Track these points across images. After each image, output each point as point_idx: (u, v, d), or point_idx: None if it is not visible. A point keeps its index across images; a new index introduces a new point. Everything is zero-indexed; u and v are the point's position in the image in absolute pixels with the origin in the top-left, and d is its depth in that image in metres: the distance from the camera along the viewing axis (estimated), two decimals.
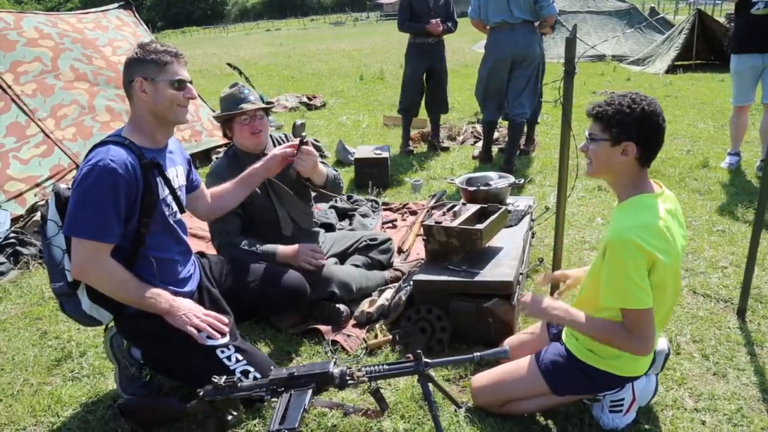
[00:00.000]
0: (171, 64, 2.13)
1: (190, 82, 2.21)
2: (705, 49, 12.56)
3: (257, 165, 2.71)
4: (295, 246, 2.90)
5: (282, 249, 2.89)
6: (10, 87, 4.59)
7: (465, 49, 18.43)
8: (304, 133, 2.75)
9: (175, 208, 2.30)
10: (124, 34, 5.95)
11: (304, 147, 2.73)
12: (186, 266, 2.40)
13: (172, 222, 2.28)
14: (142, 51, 2.12)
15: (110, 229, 2.03)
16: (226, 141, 6.05)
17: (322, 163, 2.99)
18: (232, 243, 2.84)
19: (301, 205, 3.11)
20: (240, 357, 2.21)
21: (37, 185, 4.37)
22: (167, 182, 2.22)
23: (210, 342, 2.19)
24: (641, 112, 1.83)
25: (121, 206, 2.04)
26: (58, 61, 5.02)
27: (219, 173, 2.89)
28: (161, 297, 2.15)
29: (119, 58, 5.59)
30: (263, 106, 2.95)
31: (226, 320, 2.24)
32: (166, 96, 2.12)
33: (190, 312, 2.17)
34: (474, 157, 5.98)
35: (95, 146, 2.10)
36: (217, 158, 3.24)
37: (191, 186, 2.50)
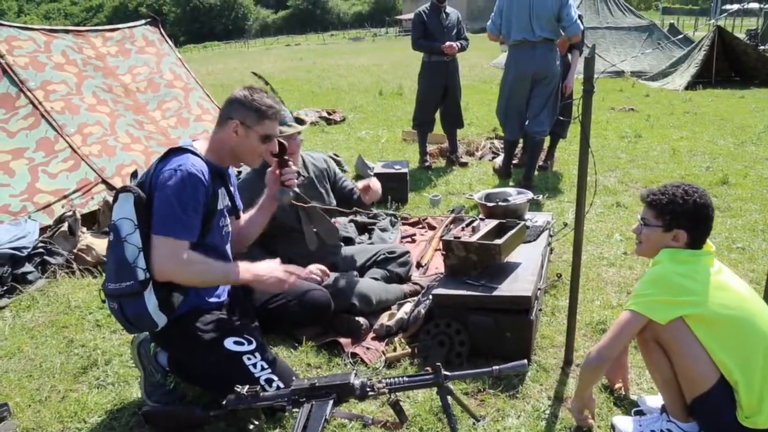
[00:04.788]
0: (269, 120, 2.30)
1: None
2: (725, 66, 12.51)
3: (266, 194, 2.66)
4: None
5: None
6: (41, 103, 4.73)
7: (483, 65, 18.51)
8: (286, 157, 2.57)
9: (228, 221, 2.44)
10: (146, 57, 6.11)
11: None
12: None
13: (223, 233, 2.40)
14: (249, 96, 2.27)
15: (193, 229, 2.18)
16: None
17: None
18: None
19: (328, 222, 3.17)
20: (265, 365, 2.26)
21: (65, 197, 4.49)
22: (229, 193, 2.39)
23: (237, 348, 2.26)
24: (693, 203, 1.98)
25: (200, 205, 2.18)
26: (81, 87, 5.21)
27: (248, 187, 2.94)
28: (240, 268, 2.28)
29: (137, 85, 5.79)
30: (301, 129, 3.01)
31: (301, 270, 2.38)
32: (252, 145, 2.30)
33: (273, 271, 2.30)
34: (495, 170, 6.01)
35: (170, 152, 2.22)
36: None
37: (234, 210, 2.54)
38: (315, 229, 3.07)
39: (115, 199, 2.21)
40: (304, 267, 3.02)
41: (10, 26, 5.11)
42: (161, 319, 2.22)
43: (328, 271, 3.01)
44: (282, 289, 2.35)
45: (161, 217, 2.12)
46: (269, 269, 2.31)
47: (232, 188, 2.49)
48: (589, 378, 2.08)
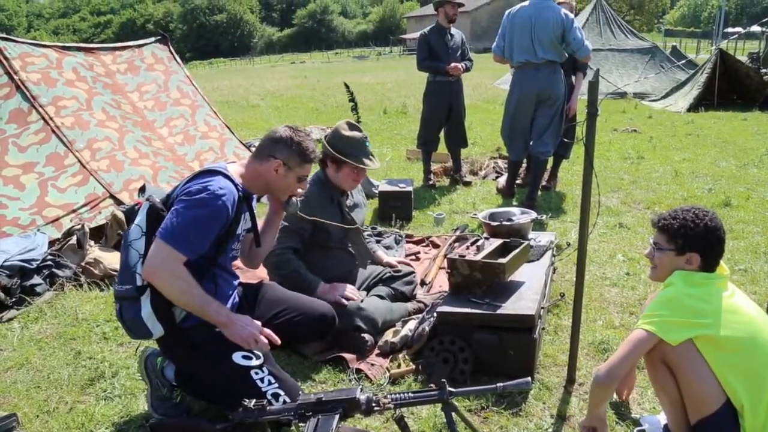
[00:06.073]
0: (309, 164, 2.45)
1: None
2: (727, 89, 12.61)
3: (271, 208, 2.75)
4: (335, 285, 3.09)
5: (323, 286, 3.07)
6: (51, 119, 4.82)
7: (487, 84, 18.65)
8: None
9: (239, 244, 2.51)
10: (154, 74, 6.23)
11: None
12: (229, 291, 2.54)
13: (230, 256, 2.47)
14: (296, 138, 2.38)
15: (192, 246, 2.19)
16: None
17: None
18: (285, 256, 3.05)
19: (365, 247, 3.42)
20: (272, 380, 2.29)
21: (73, 211, 4.54)
22: (252, 217, 2.46)
23: (245, 363, 2.29)
24: (705, 226, 2.02)
25: (212, 232, 2.23)
26: (91, 102, 5.31)
27: (313, 199, 3.07)
28: (222, 309, 2.30)
29: (145, 104, 5.91)
30: (378, 167, 3.30)
31: (277, 338, 2.34)
32: (288, 183, 2.44)
33: (246, 326, 2.28)
34: (498, 189, 6.06)
35: (204, 171, 2.31)
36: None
37: (255, 230, 2.62)
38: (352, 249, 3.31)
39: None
40: (327, 280, 3.15)
41: (24, 42, 5.21)
42: (156, 328, 2.26)
43: (356, 293, 3.16)
44: (247, 347, 2.28)
45: (171, 225, 2.17)
46: (246, 325, 2.28)
47: (254, 210, 2.56)
48: (600, 396, 2.09)
